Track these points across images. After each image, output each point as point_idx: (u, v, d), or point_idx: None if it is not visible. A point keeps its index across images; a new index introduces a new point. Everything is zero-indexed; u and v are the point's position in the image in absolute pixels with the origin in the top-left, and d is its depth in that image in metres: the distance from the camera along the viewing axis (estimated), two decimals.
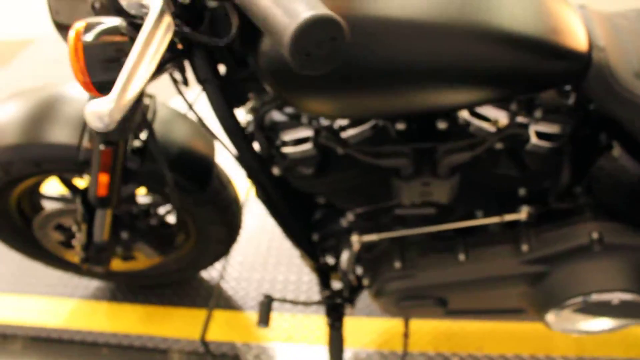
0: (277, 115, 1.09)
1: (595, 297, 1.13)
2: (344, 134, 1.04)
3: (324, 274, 1.42)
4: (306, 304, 1.25)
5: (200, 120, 1.06)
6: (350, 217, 1.25)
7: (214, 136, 1.08)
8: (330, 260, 1.36)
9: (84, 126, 1.18)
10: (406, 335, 1.48)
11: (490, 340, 1.51)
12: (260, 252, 1.83)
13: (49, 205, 1.55)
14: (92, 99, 0.57)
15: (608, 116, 0.98)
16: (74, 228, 1.38)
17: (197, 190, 1.29)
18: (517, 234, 1.16)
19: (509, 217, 1.16)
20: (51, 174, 1.32)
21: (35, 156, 1.21)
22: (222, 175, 1.39)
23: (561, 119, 1.03)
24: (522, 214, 1.15)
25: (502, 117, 1.00)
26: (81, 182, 1.83)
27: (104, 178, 1.10)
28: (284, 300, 1.24)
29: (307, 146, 1.08)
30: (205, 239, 1.49)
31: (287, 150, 1.09)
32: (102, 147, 1.03)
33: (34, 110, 1.23)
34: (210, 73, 0.98)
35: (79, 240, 1.34)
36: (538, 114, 1.01)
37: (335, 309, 1.30)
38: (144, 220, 1.37)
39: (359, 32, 0.83)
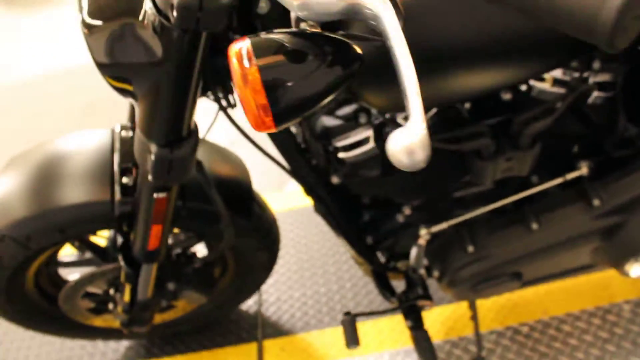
0: (328, 121, 1.01)
1: None
2: None
3: (382, 277, 1.35)
4: (386, 312, 1.19)
5: (252, 142, 0.97)
6: (407, 211, 1.19)
7: (267, 155, 1.00)
8: (391, 260, 1.30)
9: (112, 177, 1.06)
10: (475, 317, 1.43)
11: (552, 302, 1.49)
12: (292, 268, 1.74)
13: (69, 273, 1.41)
14: (392, 132, 0.43)
15: None
16: (112, 291, 1.25)
17: (244, 220, 1.19)
18: (584, 190, 1.13)
19: (571, 176, 1.13)
20: (75, 239, 1.19)
21: (60, 222, 1.08)
22: (257, 196, 1.30)
23: (616, 66, 1.00)
24: (583, 169, 1.12)
25: (557, 75, 0.97)
26: (100, 240, 1.68)
27: (157, 229, 0.99)
28: (365, 314, 1.17)
29: (369, 147, 1.01)
30: (246, 269, 1.39)
31: (346, 155, 1.02)
32: (156, 195, 0.92)
33: (41, 174, 1.10)
34: None
35: (120, 302, 1.22)
36: (596, 65, 0.98)
37: (413, 310, 1.23)
38: (187, 264, 1.26)
39: (432, 17, 0.78)
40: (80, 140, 1.11)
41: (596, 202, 1.11)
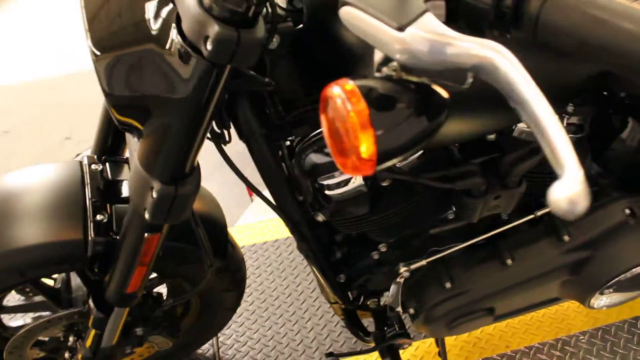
0: (316, 157, 1.00)
1: (637, 270, 1.18)
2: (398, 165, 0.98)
3: (355, 316, 1.33)
4: (367, 351, 1.16)
5: (241, 175, 0.94)
6: (383, 248, 1.18)
7: (256, 191, 0.97)
8: (363, 298, 1.28)
9: (84, 214, 0.98)
10: (443, 353, 1.44)
11: (513, 335, 1.53)
12: (246, 307, 1.68)
13: (9, 319, 1.29)
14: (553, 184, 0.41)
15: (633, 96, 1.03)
16: (71, 339, 1.15)
17: (219, 259, 1.14)
18: (554, 226, 1.18)
19: (540, 212, 1.17)
20: (33, 282, 1.09)
21: (22, 263, 0.98)
22: (230, 234, 1.25)
23: (587, 109, 1.06)
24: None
25: None
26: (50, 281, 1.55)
27: (141, 270, 0.92)
28: (347, 354, 1.14)
29: (358, 184, 1.00)
30: (211, 310, 1.33)
31: (334, 192, 1.00)
32: (147, 234, 0.85)
33: (1, 209, 1.00)
34: (257, 124, 0.88)
35: (80, 350, 1.12)
36: (570, 108, 1.03)
37: (391, 349, 1.22)
38: (155, 307, 1.18)
39: None
40: (45, 173, 1.03)
41: (566, 237, 1.16)
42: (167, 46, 0.65)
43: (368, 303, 1.32)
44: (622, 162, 1.16)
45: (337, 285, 1.21)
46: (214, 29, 0.57)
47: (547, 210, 1.17)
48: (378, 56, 0.54)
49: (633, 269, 1.17)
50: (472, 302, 1.20)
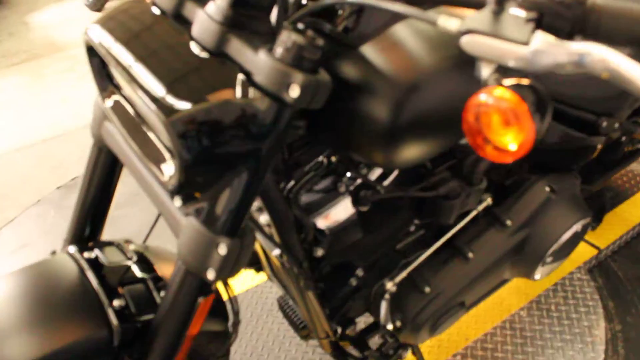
0: (308, 197, 1.07)
1: (564, 237, 1.40)
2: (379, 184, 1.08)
3: (340, 349, 1.38)
4: None
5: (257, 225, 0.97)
6: (359, 272, 1.26)
7: (267, 236, 1.00)
8: (346, 327, 1.34)
9: (99, 304, 0.92)
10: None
11: (468, 328, 1.68)
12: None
13: None
14: None
15: None
16: None
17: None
18: (495, 215, 1.36)
19: (481, 207, 1.35)
20: None
21: None
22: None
23: None
24: (488, 200, 1.35)
25: None
26: None
27: (188, 342, 0.89)
28: None
29: (348, 214, 1.08)
30: None
31: (328, 224, 1.07)
32: (202, 298, 0.84)
33: (13, 311, 0.90)
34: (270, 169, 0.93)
35: None
36: None
37: None
38: None
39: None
40: (37, 273, 0.95)
41: (508, 222, 1.34)
42: (240, 96, 0.69)
43: (347, 332, 1.38)
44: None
45: (328, 317, 1.25)
46: (298, 77, 0.64)
47: (485, 204, 1.34)
48: (486, 72, 0.65)
49: (562, 236, 1.39)
50: (448, 300, 1.32)
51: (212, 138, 0.68)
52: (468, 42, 0.65)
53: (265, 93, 0.68)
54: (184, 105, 0.68)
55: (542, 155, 1.40)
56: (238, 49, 0.72)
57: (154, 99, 0.69)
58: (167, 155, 0.76)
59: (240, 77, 0.71)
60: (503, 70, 0.64)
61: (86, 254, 0.98)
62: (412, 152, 0.89)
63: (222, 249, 0.76)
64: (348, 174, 1.04)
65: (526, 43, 0.61)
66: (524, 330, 1.65)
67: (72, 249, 1.00)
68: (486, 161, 1.15)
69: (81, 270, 0.96)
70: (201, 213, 0.77)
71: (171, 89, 0.69)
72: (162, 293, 0.98)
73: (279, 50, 0.68)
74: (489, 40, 0.63)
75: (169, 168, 0.74)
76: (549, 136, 1.37)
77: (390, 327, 1.31)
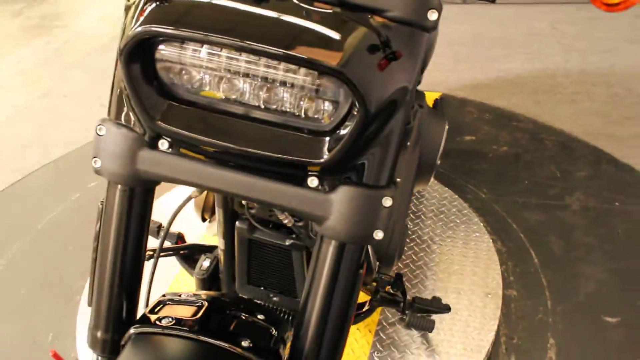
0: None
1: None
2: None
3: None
4: None
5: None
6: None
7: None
8: None
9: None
10: None
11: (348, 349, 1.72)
12: None
13: None
14: None
15: None
16: None
17: None
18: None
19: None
20: None
21: None
22: None
23: None
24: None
25: None
26: None
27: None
28: None
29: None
30: None
31: None
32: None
33: None
34: None
35: None
36: None
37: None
38: None
39: None
40: None
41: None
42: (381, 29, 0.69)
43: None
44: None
45: None
46: (434, 1, 0.69)
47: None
48: None
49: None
50: None
51: (382, 72, 0.68)
52: None
53: (405, 22, 0.69)
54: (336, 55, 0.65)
55: None
56: None
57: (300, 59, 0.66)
58: (324, 121, 0.74)
59: (374, 18, 0.69)
60: None
61: None
62: None
63: (387, 201, 0.74)
64: None
65: None
66: (396, 333, 1.78)
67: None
68: None
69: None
70: (356, 176, 0.75)
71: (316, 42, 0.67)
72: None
73: None
74: None
75: (323, 145, 0.72)
76: None
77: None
